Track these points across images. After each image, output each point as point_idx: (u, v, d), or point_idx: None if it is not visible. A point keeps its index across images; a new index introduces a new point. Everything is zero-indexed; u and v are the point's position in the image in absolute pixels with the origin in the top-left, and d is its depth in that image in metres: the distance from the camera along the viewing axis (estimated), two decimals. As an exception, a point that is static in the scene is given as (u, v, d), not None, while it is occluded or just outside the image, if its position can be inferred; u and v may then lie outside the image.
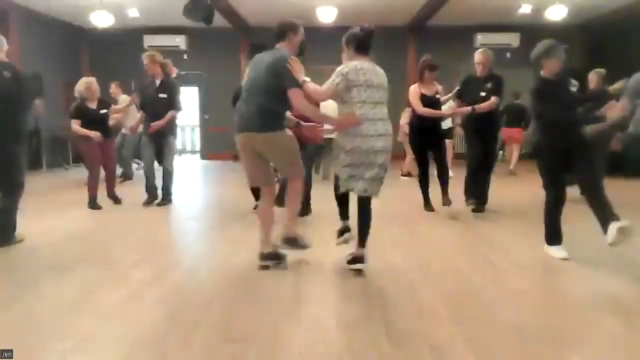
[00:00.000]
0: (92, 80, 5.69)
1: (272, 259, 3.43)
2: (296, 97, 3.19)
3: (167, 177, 5.93)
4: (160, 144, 5.82)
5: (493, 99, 5.07)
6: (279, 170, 3.76)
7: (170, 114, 5.67)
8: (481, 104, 5.08)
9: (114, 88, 8.34)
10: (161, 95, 5.65)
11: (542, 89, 3.67)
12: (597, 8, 9.78)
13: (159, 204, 5.84)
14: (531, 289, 3.12)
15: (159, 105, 5.64)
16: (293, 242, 3.47)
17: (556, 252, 3.67)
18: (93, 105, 5.65)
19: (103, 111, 5.73)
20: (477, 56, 5.21)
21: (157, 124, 5.63)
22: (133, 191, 6.19)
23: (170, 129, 5.82)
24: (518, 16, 10.01)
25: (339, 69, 3.20)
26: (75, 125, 5.54)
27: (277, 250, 3.46)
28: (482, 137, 5.23)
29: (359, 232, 3.32)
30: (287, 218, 3.48)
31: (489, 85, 5.14)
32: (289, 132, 3.40)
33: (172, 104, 5.70)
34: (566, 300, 2.95)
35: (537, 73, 3.81)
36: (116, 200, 5.95)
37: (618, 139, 3.86)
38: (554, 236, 3.71)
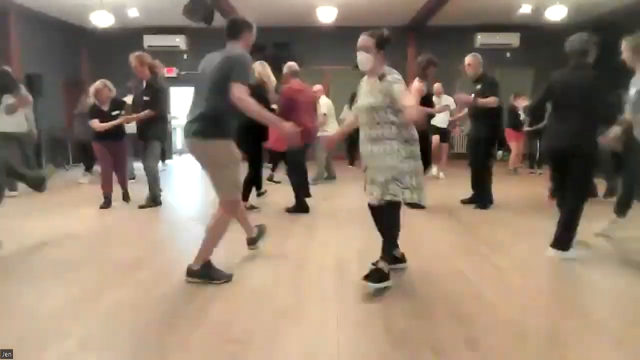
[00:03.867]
0: (101, 86, 5.77)
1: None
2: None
3: (149, 179, 5.80)
4: (144, 146, 5.73)
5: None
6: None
7: (143, 113, 5.56)
8: (483, 100, 5.33)
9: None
10: (145, 98, 5.60)
11: None
12: (597, 8, 9.77)
13: (141, 206, 5.76)
14: (531, 289, 3.12)
15: (144, 107, 5.58)
16: None
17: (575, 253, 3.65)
18: (105, 107, 5.80)
19: (114, 112, 5.79)
20: (467, 59, 5.54)
21: (127, 118, 5.72)
22: (134, 192, 6.19)
23: (151, 131, 5.65)
24: (518, 16, 9.99)
25: (397, 76, 2.92)
26: (95, 123, 5.70)
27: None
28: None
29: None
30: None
31: (478, 87, 5.47)
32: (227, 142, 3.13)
33: (152, 106, 5.57)
34: (566, 300, 2.95)
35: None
36: (125, 196, 6.04)
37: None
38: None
